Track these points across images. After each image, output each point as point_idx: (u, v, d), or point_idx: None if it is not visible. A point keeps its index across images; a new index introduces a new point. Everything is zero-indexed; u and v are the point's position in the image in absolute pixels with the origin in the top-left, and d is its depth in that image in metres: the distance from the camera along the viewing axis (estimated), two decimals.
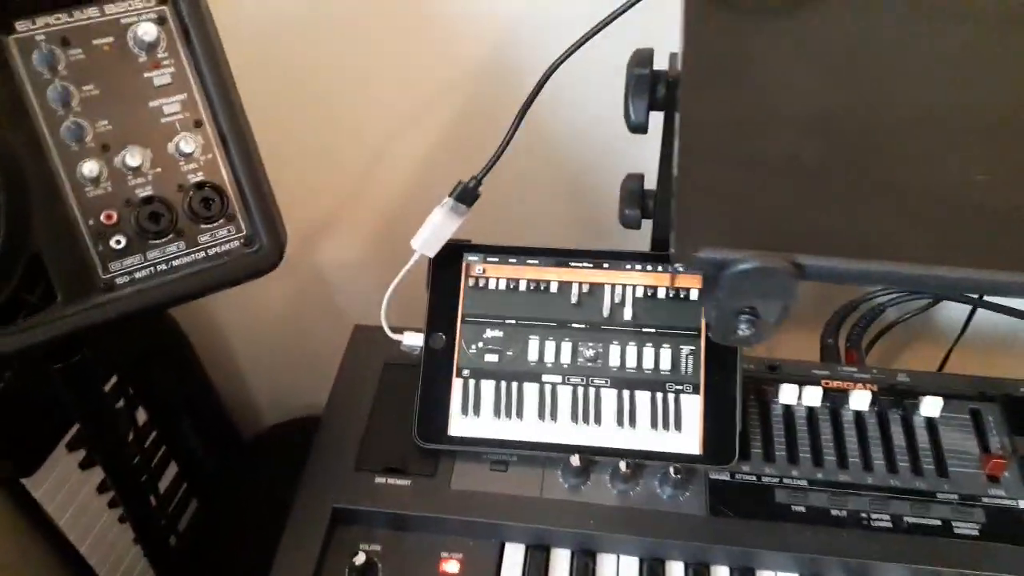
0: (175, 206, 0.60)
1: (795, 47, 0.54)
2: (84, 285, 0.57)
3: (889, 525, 0.65)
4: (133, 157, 0.57)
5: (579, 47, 0.62)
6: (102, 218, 0.57)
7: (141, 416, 1.00)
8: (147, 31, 0.57)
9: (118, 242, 0.58)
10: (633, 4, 0.58)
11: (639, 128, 0.63)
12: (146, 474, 0.98)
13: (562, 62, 0.62)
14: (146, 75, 0.58)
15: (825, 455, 0.70)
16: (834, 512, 0.66)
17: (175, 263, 0.60)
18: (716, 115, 0.50)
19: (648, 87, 0.61)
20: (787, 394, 0.72)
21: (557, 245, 0.72)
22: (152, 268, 0.60)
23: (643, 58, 0.61)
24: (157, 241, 0.60)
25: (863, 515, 0.66)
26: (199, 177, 0.60)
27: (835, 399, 0.72)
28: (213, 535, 1.09)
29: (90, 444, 0.84)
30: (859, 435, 0.71)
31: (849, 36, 0.55)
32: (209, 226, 0.61)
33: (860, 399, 0.71)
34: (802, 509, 0.66)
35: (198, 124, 0.60)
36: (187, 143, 0.59)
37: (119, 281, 0.59)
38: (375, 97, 0.89)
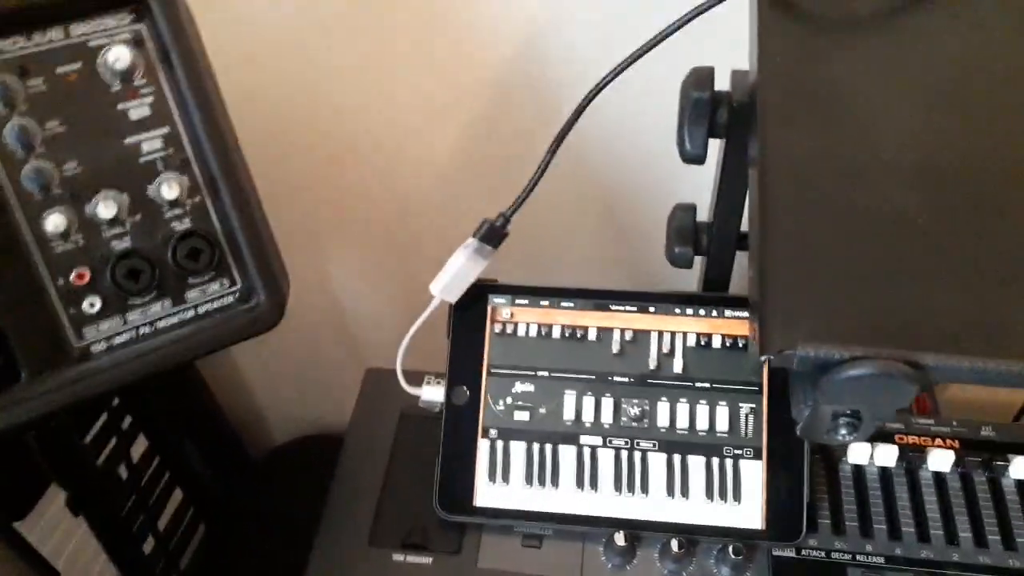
0: (158, 260, 0.51)
1: (891, 70, 0.45)
2: (54, 357, 0.49)
3: None
4: (107, 205, 0.49)
5: (630, 64, 0.52)
6: (73, 278, 0.49)
7: (141, 445, 0.93)
8: (120, 56, 0.49)
9: (92, 304, 0.50)
10: (700, 13, 0.48)
11: (696, 159, 0.54)
12: (143, 515, 0.91)
13: (610, 81, 0.53)
14: (120, 107, 0.50)
15: (903, 526, 0.61)
16: None
17: (160, 325, 0.52)
18: (806, 160, 0.41)
19: (708, 112, 0.52)
20: (857, 453, 0.63)
21: (594, 286, 0.63)
22: (133, 332, 0.52)
23: (702, 79, 0.52)
24: (138, 301, 0.51)
25: None
26: (185, 225, 0.52)
27: (911, 458, 0.64)
28: (223, 559, 1.03)
29: (75, 503, 0.76)
30: (940, 501, 0.62)
31: (956, 56, 0.46)
32: (198, 281, 0.53)
33: (941, 459, 0.63)
34: None
35: (183, 164, 0.52)
36: (171, 186, 0.51)
37: (95, 349, 0.51)
38: (383, 107, 0.80)
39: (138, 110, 0.50)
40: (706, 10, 0.48)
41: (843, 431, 0.38)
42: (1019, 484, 0.62)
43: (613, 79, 0.53)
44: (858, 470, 0.64)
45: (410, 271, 0.96)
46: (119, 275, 0.50)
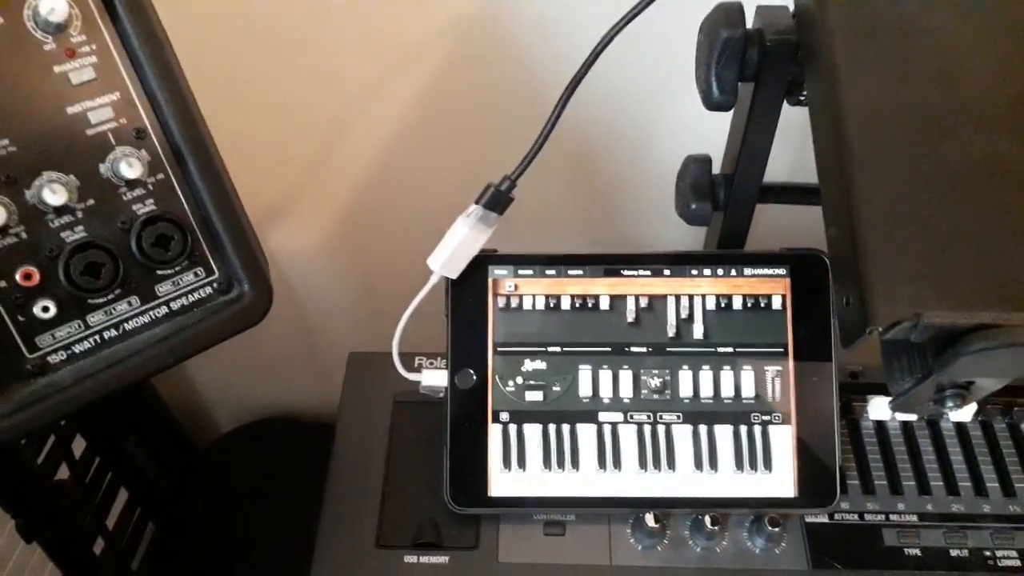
0: (120, 251, 0.44)
1: (960, 2, 0.41)
2: (4, 374, 0.41)
3: (1019, 563, 0.56)
4: (53, 189, 0.41)
5: (645, 7, 0.47)
6: (18, 278, 0.41)
7: (79, 445, 0.84)
8: (53, 6, 0.40)
9: (46, 309, 0.42)
10: None
11: (724, 105, 0.49)
12: (89, 516, 0.83)
13: (622, 27, 0.47)
14: (58, 69, 0.42)
15: (931, 480, 0.59)
16: (954, 552, 0.56)
17: (128, 326, 0.45)
18: (887, 106, 0.37)
19: (740, 53, 0.47)
20: (879, 408, 0.61)
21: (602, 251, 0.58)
22: (96, 337, 0.44)
23: (733, 16, 0.47)
24: (100, 300, 0.44)
25: (987, 553, 0.56)
26: (149, 208, 0.44)
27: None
28: (176, 556, 0.96)
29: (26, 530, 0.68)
30: (965, 452, 0.60)
31: None
32: (169, 272, 0.46)
33: (962, 410, 0.61)
34: (917, 552, 0.56)
35: (140, 134, 0.44)
36: (128, 163, 0.43)
37: (53, 360, 0.43)
38: (340, 63, 0.72)
39: (79, 72, 0.42)
40: None
41: (950, 403, 0.34)
42: None
43: (630, 21, 0.47)
44: (880, 426, 0.62)
45: (362, 247, 0.89)
46: (74, 272, 0.42)
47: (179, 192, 0.45)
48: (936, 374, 0.32)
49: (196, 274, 0.46)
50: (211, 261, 0.47)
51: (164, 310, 0.46)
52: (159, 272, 0.45)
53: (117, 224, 0.43)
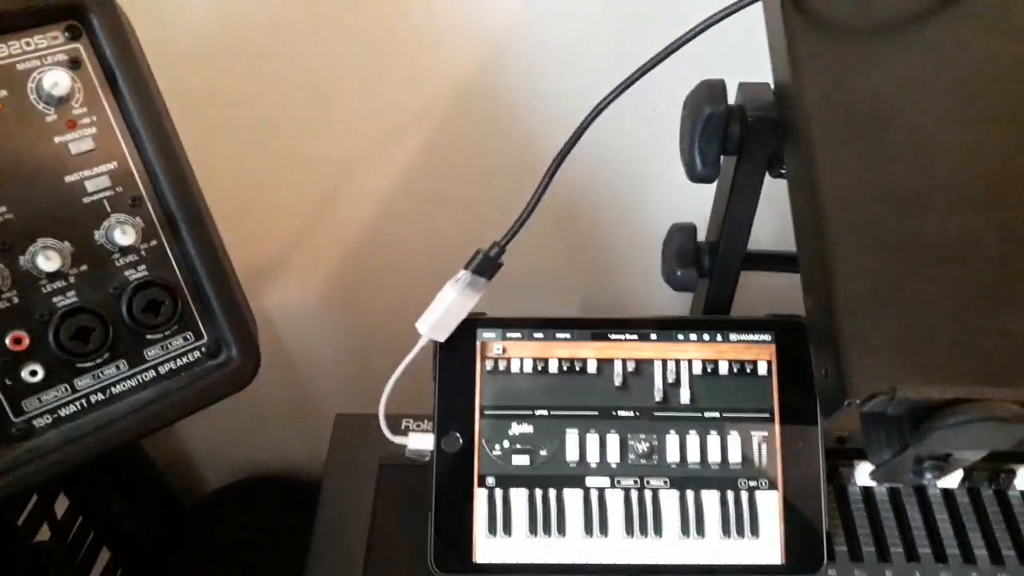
0: (110, 316, 0.44)
1: (931, 81, 0.42)
2: None
3: None
4: (47, 256, 0.42)
5: (642, 75, 0.48)
6: (8, 342, 0.42)
7: (62, 504, 0.83)
8: (57, 80, 0.42)
9: (33, 373, 0.43)
10: (713, 23, 0.44)
11: (706, 178, 0.50)
12: None
13: (613, 99, 0.49)
14: (59, 140, 0.43)
15: (919, 547, 0.59)
16: None
17: (116, 390, 0.45)
18: (862, 183, 0.38)
19: (722, 128, 0.48)
20: (866, 474, 0.61)
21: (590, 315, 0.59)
22: (83, 401, 0.44)
23: (716, 92, 0.48)
24: (88, 364, 0.44)
25: None
26: (141, 274, 0.45)
27: None
28: None
29: None
30: (952, 519, 0.60)
31: (995, 63, 0.43)
32: (158, 336, 0.46)
33: (949, 476, 0.61)
34: None
35: (135, 202, 0.45)
36: (123, 231, 0.44)
37: (38, 424, 0.43)
38: (336, 127, 0.74)
39: (79, 143, 0.43)
40: (726, 17, 0.44)
41: (928, 475, 0.35)
42: None
43: (621, 93, 0.48)
44: (867, 492, 0.61)
45: (354, 307, 0.89)
46: (64, 337, 0.43)
47: (171, 258, 0.46)
48: (913, 446, 0.33)
49: (185, 338, 0.47)
50: (200, 325, 0.47)
51: (152, 374, 0.46)
52: (148, 336, 0.46)
53: (109, 290, 0.44)
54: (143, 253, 0.45)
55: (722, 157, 0.50)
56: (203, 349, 0.47)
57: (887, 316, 0.34)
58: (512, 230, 0.52)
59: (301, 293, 0.89)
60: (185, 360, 0.47)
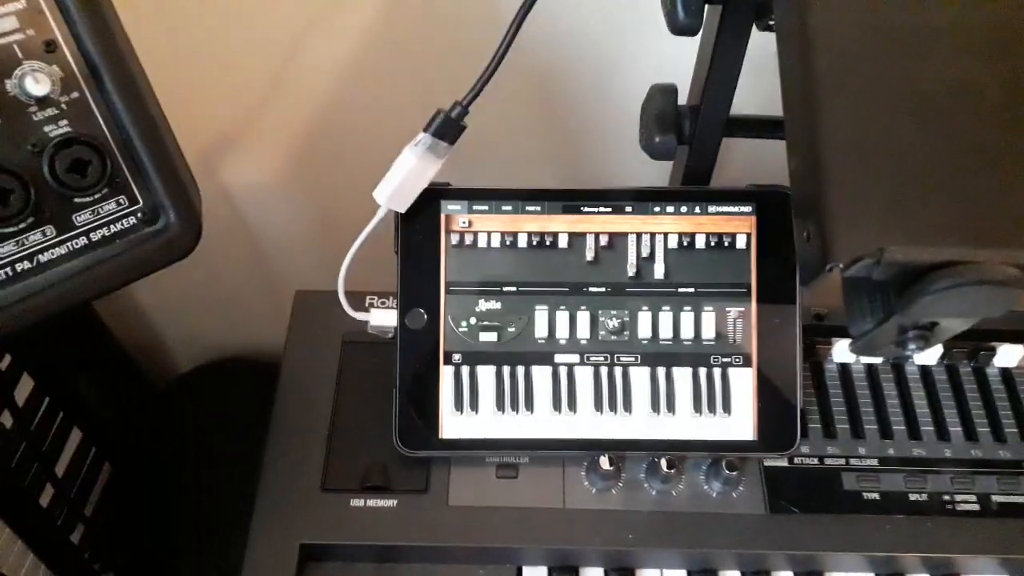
0: (31, 176, 0.40)
1: None
2: None
3: (976, 507, 0.55)
4: None
5: None
6: None
7: (27, 386, 0.81)
8: None
9: None
10: None
11: (689, 29, 0.46)
12: (36, 463, 0.81)
13: None
14: None
15: (894, 424, 0.58)
16: (913, 496, 0.56)
17: (43, 258, 0.42)
18: (856, 30, 0.34)
19: None
20: (844, 351, 0.60)
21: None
22: (8, 270, 0.41)
23: None
24: (9, 229, 0.40)
25: (946, 497, 0.55)
26: (63, 130, 0.41)
27: None
28: (134, 497, 0.95)
29: None
30: (929, 396, 0.59)
31: None
32: (88, 200, 0.42)
33: (927, 353, 0.60)
34: (876, 496, 0.55)
35: (50, 47, 0.40)
36: (35, 78, 0.39)
37: None
38: None
39: None
40: None
41: (912, 346, 0.32)
42: (1004, 373, 0.60)
43: None
44: (844, 369, 0.60)
45: (318, 180, 0.85)
46: None
47: (96, 113, 0.41)
48: (898, 315, 0.30)
49: (118, 203, 0.43)
50: (134, 189, 0.43)
51: (83, 241, 0.42)
52: (76, 200, 0.42)
53: (27, 147, 0.40)
54: (63, 106, 0.40)
55: (706, 7, 0.46)
56: (139, 215, 0.44)
57: (876, 171, 0.31)
58: (475, 88, 0.48)
59: (261, 170, 0.85)
60: (119, 227, 0.43)
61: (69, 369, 0.90)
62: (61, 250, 0.42)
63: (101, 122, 0.42)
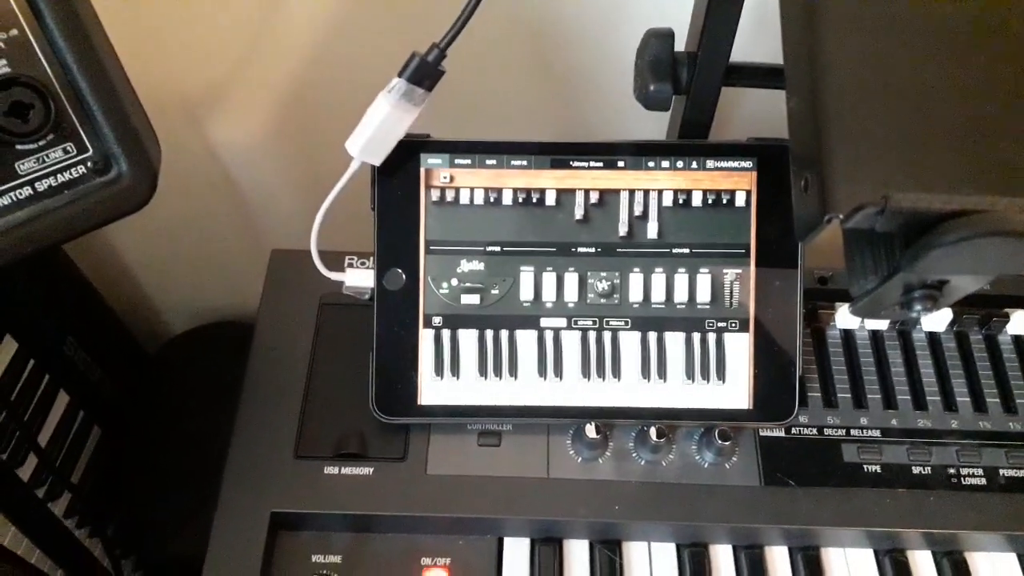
0: None
1: None
2: None
3: (983, 482, 0.52)
4: None
5: None
6: None
7: (10, 348, 0.79)
8: None
9: None
10: None
11: None
12: (19, 431, 0.79)
13: None
14: None
15: (898, 394, 0.55)
16: (916, 470, 0.53)
17: None
18: None
19: None
20: (848, 316, 0.56)
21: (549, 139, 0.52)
22: None
23: None
24: None
25: (951, 470, 0.53)
26: (2, 70, 0.37)
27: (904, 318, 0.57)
28: (124, 459, 0.93)
29: None
30: (936, 365, 0.56)
31: None
32: (32, 147, 0.39)
33: (936, 318, 0.56)
34: (876, 469, 0.53)
35: None
36: None
37: None
38: None
39: None
40: None
41: (918, 307, 0.29)
42: (1017, 341, 0.57)
43: None
44: (847, 335, 0.57)
45: (306, 136, 0.81)
46: None
47: (38, 52, 0.38)
48: (904, 271, 0.27)
49: (66, 150, 0.40)
50: (83, 136, 0.40)
51: (28, 191, 0.39)
52: (19, 147, 0.39)
53: None
54: (1, 45, 0.37)
55: None
56: (88, 164, 0.41)
57: (883, 110, 0.28)
58: (453, 29, 0.44)
59: (249, 123, 0.81)
60: (68, 176, 0.40)
61: (55, 332, 0.88)
62: (4, 200, 0.39)
63: (44, 63, 0.38)
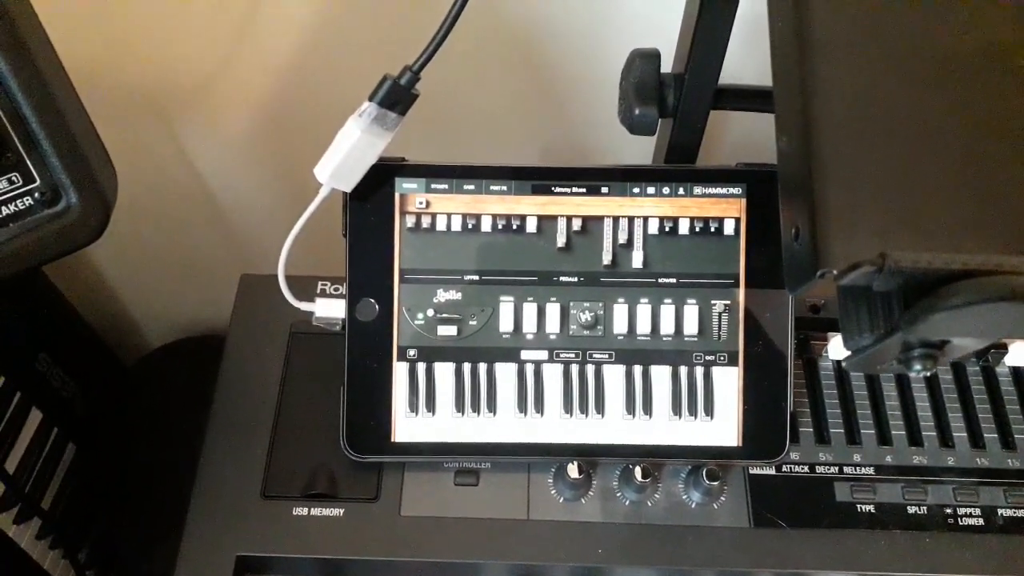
0: None
1: None
2: None
3: (981, 522, 0.50)
4: None
5: None
6: None
7: None
8: None
9: None
10: None
11: None
12: None
13: None
14: None
15: (893, 429, 0.53)
16: (911, 509, 0.51)
17: None
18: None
19: None
20: (840, 347, 0.54)
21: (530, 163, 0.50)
22: None
23: None
24: None
25: (947, 510, 0.51)
26: None
27: None
28: (100, 476, 0.90)
29: None
30: (932, 398, 0.54)
31: None
32: None
33: (931, 372, 0.54)
34: (870, 509, 0.50)
35: None
36: None
37: None
38: None
39: None
40: None
41: (917, 366, 0.27)
42: (1015, 373, 0.55)
43: None
44: (840, 368, 0.55)
45: (288, 149, 0.79)
46: None
47: None
48: (904, 332, 0.25)
49: (10, 181, 0.38)
50: (29, 166, 0.38)
51: None
52: None
53: None
54: None
55: None
56: (36, 195, 0.38)
57: (878, 153, 0.25)
58: (427, 51, 0.42)
59: (228, 134, 0.79)
60: (13, 208, 0.38)
61: (28, 347, 0.86)
62: None
63: None
